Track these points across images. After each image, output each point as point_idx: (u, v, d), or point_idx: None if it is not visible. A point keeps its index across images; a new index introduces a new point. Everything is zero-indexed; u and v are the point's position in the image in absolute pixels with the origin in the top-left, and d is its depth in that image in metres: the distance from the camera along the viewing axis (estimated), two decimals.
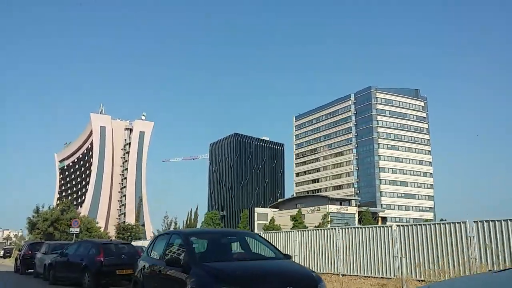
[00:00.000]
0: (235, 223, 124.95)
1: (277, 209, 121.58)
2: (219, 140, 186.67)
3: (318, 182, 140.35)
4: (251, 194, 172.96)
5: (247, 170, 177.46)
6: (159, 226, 53.49)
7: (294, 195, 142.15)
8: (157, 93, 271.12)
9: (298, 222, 71.30)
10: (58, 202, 43.72)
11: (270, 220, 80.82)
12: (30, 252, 21.93)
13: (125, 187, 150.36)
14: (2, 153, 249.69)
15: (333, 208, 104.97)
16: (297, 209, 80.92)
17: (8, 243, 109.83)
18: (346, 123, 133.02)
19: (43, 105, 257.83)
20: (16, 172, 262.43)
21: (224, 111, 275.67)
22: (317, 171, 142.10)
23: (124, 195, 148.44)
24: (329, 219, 77.87)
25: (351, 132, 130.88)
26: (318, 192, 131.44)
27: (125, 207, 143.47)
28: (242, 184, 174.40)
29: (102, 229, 51.94)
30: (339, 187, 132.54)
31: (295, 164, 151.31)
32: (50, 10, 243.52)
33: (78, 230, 27.85)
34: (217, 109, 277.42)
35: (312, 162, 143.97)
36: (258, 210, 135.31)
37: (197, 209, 63.97)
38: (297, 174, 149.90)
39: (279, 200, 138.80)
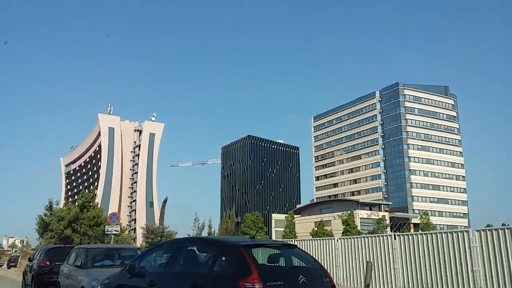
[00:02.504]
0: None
1: (299, 215, 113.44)
2: (232, 143, 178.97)
3: (341, 186, 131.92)
4: (266, 200, 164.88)
5: (261, 174, 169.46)
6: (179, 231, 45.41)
7: (314, 200, 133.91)
8: (166, 93, 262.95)
9: (351, 227, 62.79)
10: (76, 197, 35.26)
11: (319, 225, 71.22)
12: (48, 262, 13.76)
13: (135, 191, 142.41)
14: (6, 159, 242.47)
15: (362, 213, 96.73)
16: (347, 212, 71.84)
17: (14, 251, 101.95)
18: (371, 122, 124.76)
19: (48, 107, 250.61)
20: (21, 179, 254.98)
21: (236, 113, 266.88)
22: (339, 174, 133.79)
23: (134, 200, 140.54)
24: (383, 224, 69.14)
25: (377, 132, 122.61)
26: (338, 196, 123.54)
27: (135, 212, 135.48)
28: (257, 188, 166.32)
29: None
30: (363, 191, 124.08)
31: (315, 167, 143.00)
32: (54, 7, 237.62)
33: (118, 229, 19.53)
34: (228, 111, 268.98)
35: (334, 165, 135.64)
36: (275, 216, 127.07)
37: (232, 212, 55.74)
38: (317, 178, 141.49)
39: (298, 206, 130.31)
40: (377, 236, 14.70)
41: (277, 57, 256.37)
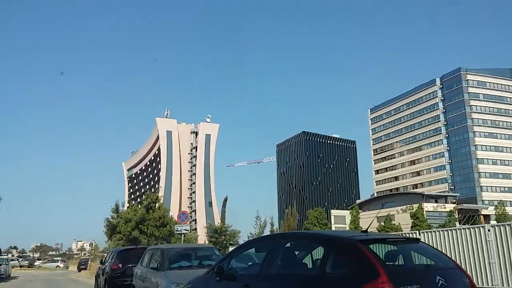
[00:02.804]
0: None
1: (360, 210, 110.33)
2: (287, 140, 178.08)
3: (402, 179, 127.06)
4: (324, 195, 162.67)
5: (318, 170, 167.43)
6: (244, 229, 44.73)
7: (375, 194, 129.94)
8: (220, 94, 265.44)
9: (420, 221, 59.88)
10: (140, 199, 35.22)
11: (386, 219, 68.20)
12: (120, 265, 13.35)
13: (194, 192, 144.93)
14: (74, 167, 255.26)
15: (428, 206, 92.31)
16: (412, 206, 68.44)
17: (83, 254, 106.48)
18: (433, 111, 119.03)
19: (110, 114, 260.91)
20: (86, 184, 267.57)
21: (290, 109, 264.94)
22: (400, 167, 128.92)
23: (194, 201, 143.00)
24: (454, 217, 65.44)
25: (439, 121, 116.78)
26: (399, 190, 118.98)
27: (195, 212, 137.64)
28: (314, 185, 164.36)
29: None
30: (426, 183, 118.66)
31: (374, 160, 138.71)
32: (111, 14, 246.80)
33: (188, 228, 18.94)
34: (282, 108, 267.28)
35: (394, 158, 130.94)
36: (334, 212, 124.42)
37: (293, 208, 54.64)
38: (377, 172, 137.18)
39: (358, 201, 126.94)
40: (467, 228, 13.51)
41: (329, 49, 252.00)
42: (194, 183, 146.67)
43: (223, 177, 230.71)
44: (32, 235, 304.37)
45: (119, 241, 27.75)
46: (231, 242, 35.59)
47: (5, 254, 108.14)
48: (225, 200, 53.43)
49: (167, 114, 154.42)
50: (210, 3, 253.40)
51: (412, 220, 63.06)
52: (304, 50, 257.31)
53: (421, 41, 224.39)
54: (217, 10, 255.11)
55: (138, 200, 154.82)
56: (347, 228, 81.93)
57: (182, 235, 19.10)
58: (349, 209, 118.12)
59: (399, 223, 66.99)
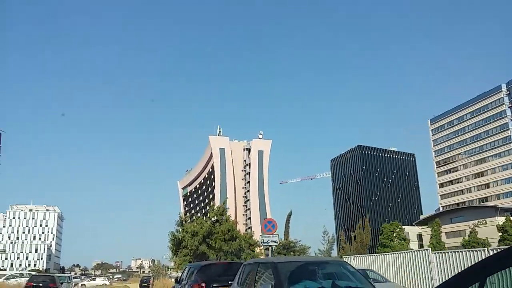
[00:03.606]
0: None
1: (425, 226, 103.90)
2: (341, 155, 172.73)
3: (468, 192, 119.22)
4: (384, 212, 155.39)
5: (376, 185, 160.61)
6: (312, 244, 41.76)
7: (440, 208, 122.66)
8: (271, 110, 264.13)
9: (508, 234, 54.78)
10: (209, 208, 33.37)
11: (471, 233, 62.52)
12: (204, 284, 11.07)
13: (249, 209, 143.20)
14: (131, 187, 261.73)
15: (502, 220, 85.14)
16: (484, 219, 63.11)
17: (141, 272, 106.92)
18: (500, 119, 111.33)
19: (162, 133, 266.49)
20: (143, 204, 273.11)
21: (343, 123, 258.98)
22: (465, 180, 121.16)
23: (249, 218, 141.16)
24: None
25: (508, 129, 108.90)
26: (465, 204, 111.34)
27: (251, 229, 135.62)
28: (373, 200, 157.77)
29: None
30: (494, 197, 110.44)
31: (437, 173, 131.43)
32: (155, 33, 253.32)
33: (276, 239, 15.76)
34: (335, 121, 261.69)
35: (458, 170, 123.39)
36: None
37: (366, 222, 51.17)
38: (441, 185, 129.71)
39: (422, 217, 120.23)
40: None
41: (384, 59, 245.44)
42: (248, 200, 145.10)
43: (277, 194, 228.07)
44: (94, 253, 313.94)
45: (185, 257, 25.86)
46: None
47: (68, 272, 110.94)
48: (289, 215, 51.14)
49: (220, 132, 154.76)
50: (258, 24, 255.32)
51: (500, 234, 57.59)
52: (359, 62, 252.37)
53: (483, 47, 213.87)
54: (264, 30, 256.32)
55: (194, 218, 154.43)
56: (416, 246, 76.51)
57: (270, 248, 15.80)
58: (413, 225, 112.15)
59: (486, 237, 60.97)
